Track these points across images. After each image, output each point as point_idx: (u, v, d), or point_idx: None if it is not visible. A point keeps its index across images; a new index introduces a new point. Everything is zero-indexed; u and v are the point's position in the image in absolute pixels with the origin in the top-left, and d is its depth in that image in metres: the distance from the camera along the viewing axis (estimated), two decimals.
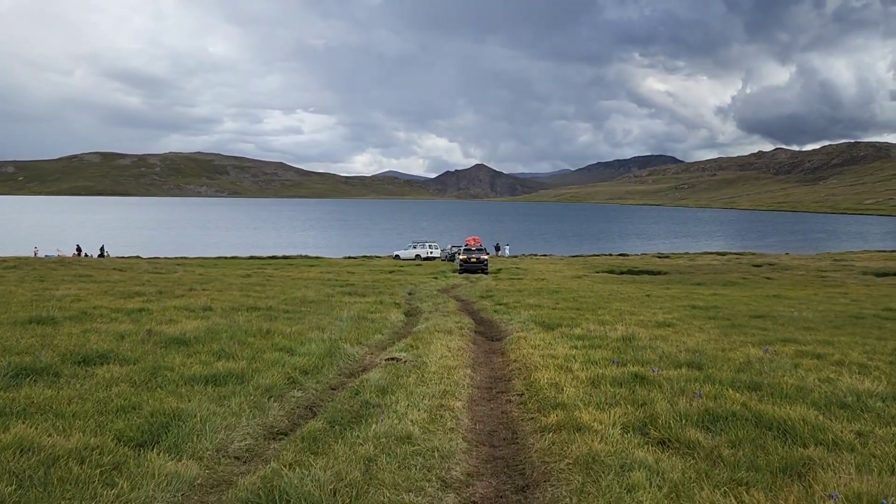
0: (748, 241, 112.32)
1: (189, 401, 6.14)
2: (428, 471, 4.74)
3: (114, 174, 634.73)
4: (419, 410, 6.31)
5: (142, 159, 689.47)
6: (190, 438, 5.14)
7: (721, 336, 12.51)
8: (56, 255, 53.13)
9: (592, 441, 5.27)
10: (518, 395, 7.72)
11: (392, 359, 9.08)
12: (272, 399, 6.74)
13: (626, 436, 5.61)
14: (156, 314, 13.60)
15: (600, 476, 4.57)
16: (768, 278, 41.68)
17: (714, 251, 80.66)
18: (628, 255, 73.95)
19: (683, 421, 5.89)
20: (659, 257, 69.45)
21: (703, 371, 8.23)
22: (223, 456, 5.12)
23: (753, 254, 73.60)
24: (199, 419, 5.51)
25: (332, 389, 7.84)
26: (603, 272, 48.06)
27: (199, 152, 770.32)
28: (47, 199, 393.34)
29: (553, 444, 5.39)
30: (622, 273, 47.98)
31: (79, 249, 59.79)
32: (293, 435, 5.71)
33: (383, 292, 23.79)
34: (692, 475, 4.60)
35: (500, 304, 20.59)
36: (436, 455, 5.04)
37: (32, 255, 52.10)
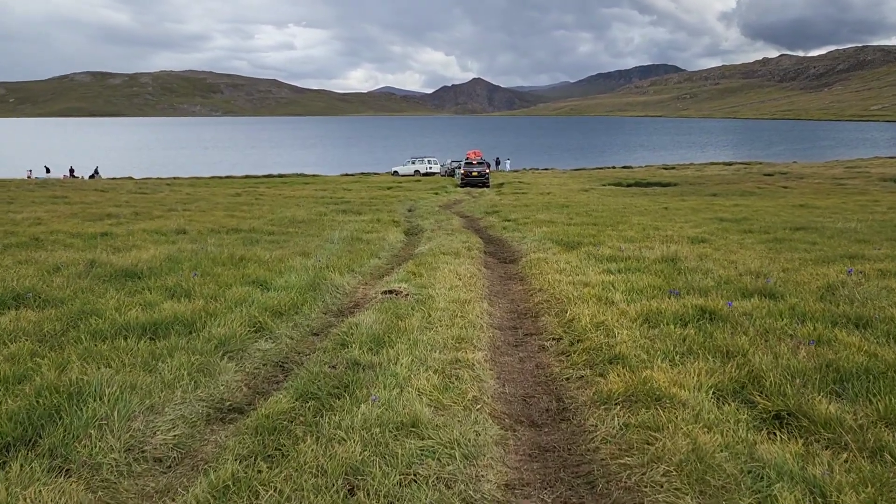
0: (754, 150, 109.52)
1: (104, 365, 4.40)
2: (447, 487, 3.05)
3: (106, 94, 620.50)
4: (427, 371, 4.60)
5: (133, 78, 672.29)
6: (86, 433, 3.42)
7: (771, 253, 10.76)
8: (27, 176, 50.93)
9: (688, 424, 3.56)
10: (554, 338, 6.02)
11: (390, 292, 7.33)
12: (228, 356, 5.00)
13: (723, 408, 3.91)
14: (120, 238, 11.84)
15: (726, 500, 2.86)
16: (784, 187, 39.74)
17: (720, 161, 78.37)
18: (633, 168, 71.81)
19: (800, 382, 4.18)
20: (665, 169, 67.33)
21: (783, 302, 6.49)
22: (135, 460, 3.41)
23: (761, 163, 71.40)
24: (107, 398, 3.79)
25: (314, 335, 6.13)
26: (610, 185, 46.09)
27: (191, 70, 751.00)
28: (40, 121, 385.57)
29: (627, 430, 3.68)
30: (630, 185, 45.99)
31: (71, 171, 57.73)
32: (246, 419, 3.99)
33: (381, 210, 21.96)
34: (872, 495, 2.88)
35: (509, 221, 18.79)
36: (456, 455, 3.34)
37: (26, 177, 50.04)
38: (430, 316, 6.25)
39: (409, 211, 23.88)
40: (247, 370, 4.97)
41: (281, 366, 5.31)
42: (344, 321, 6.17)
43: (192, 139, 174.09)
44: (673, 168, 67.84)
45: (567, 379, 4.87)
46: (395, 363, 4.66)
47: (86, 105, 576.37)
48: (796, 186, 39.99)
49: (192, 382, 4.34)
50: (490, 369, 5.05)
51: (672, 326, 5.71)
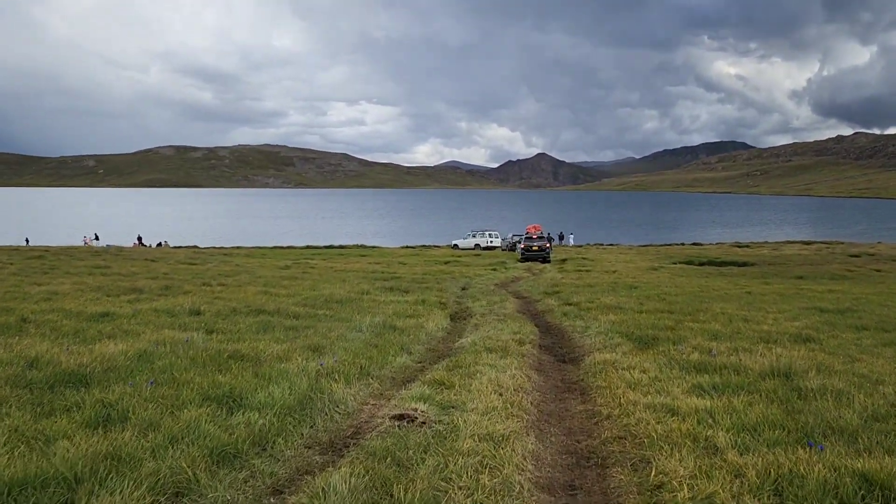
0: (832, 229, 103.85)
1: None
2: None
3: (186, 166, 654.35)
4: None
5: (212, 152, 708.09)
6: None
7: None
8: (84, 242, 51.88)
9: None
10: None
11: (402, 417, 5.42)
12: None
13: None
14: (119, 320, 10.37)
15: None
16: (878, 270, 36.15)
17: (798, 240, 74.04)
18: (703, 245, 68.59)
19: None
20: (738, 247, 63.84)
21: None
22: None
23: (843, 243, 66.97)
24: None
25: (274, 494, 4.20)
26: (680, 263, 43.30)
27: (266, 144, 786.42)
28: (124, 192, 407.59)
29: None
30: (702, 264, 43.10)
31: (140, 239, 59.14)
32: None
33: (430, 288, 20.21)
34: None
35: (570, 304, 16.68)
36: None
37: (83, 243, 51.16)
38: (446, 467, 4.30)
39: (463, 289, 22.07)
40: None
41: None
42: (317, 477, 4.23)
43: (264, 209, 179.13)
44: (747, 246, 64.27)
45: None
46: None
47: (168, 176, 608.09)
48: (891, 270, 36.36)
49: None
50: None
51: None
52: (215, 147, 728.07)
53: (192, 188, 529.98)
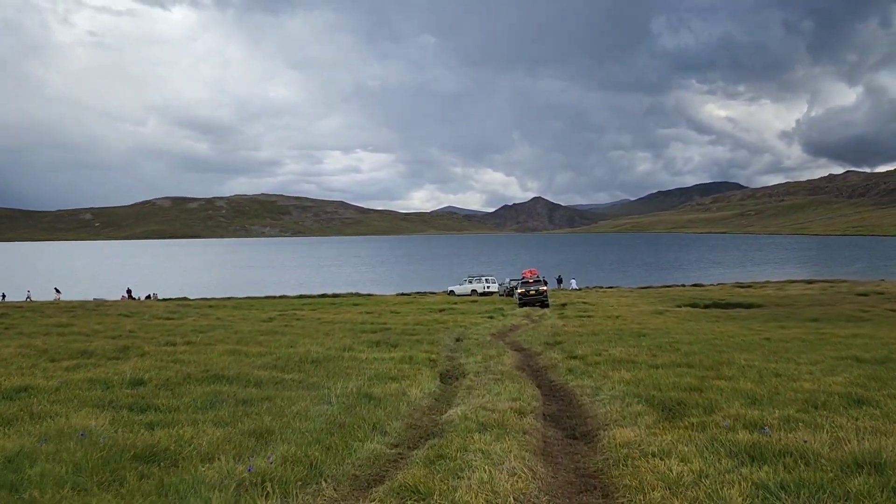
0: (832, 267, 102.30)
1: None
2: None
3: (183, 217, 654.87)
4: None
5: (209, 202, 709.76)
6: None
7: None
8: (56, 299, 50.01)
9: None
10: None
11: None
12: None
13: None
14: (39, 396, 8.61)
15: None
16: (893, 311, 34.41)
17: (800, 279, 72.39)
18: (704, 286, 66.90)
19: None
20: (741, 287, 62.03)
21: None
22: None
23: (846, 281, 65.36)
24: None
25: None
26: (684, 306, 41.51)
27: (262, 194, 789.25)
28: (121, 244, 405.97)
29: None
30: (707, 307, 41.34)
31: (129, 292, 57.57)
32: None
33: (421, 341, 18.45)
34: None
35: (575, 358, 14.92)
36: None
37: (54, 299, 49.41)
38: None
39: (457, 341, 20.30)
40: None
41: None
42: None
43: (261, 259, 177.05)
44: (749, 286, 62.47)
45: None
46: None
47: (165, 228, 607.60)
48: None
49: None
50: None
51: None
52: (212, 197, 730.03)
53: (189, 239, 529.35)
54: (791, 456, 5.73)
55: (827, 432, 6.45)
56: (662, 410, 8.58)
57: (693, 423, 7.48)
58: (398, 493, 5.05)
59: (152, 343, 16.09)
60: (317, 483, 5.38)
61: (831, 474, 5.18)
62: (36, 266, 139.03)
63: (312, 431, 6.83)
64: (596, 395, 10.18)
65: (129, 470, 5.28)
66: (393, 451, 6.86)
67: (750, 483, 5.11)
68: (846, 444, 5.90)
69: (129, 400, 8.53)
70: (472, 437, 6.91)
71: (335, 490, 5.36)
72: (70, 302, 42.07)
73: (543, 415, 9.18)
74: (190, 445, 6.02)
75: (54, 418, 7.17)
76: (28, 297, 50.40)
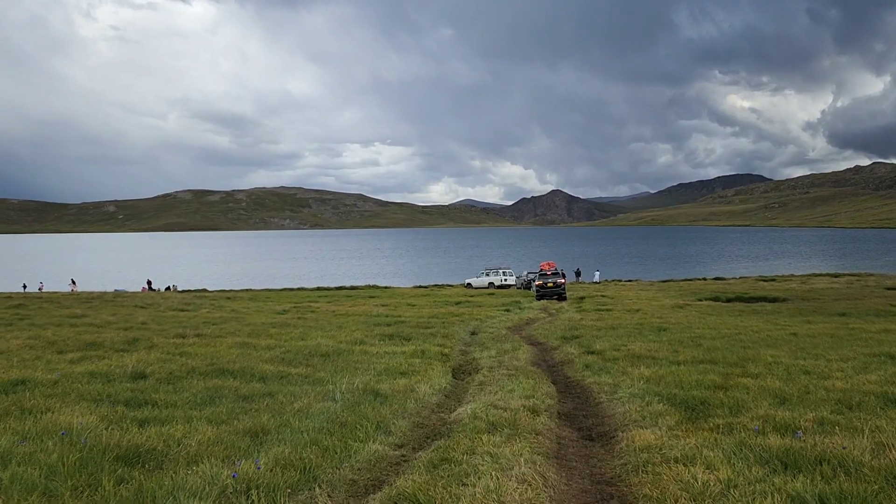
0: (858, 260, 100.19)
1: None
2: None
3: (204, 210, 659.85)
4: None
5: (229, 195, 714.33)
6: None
7: None
8: (72, 290, 50.21)
9: None
10: None
11: None
12: None
13: None
14: (39, 389, 8.33)
15: None
16: None
17: (825, 273, 70.85)
18: (726, 279, 65.70)
19: None
20: (764, 280, 60.83)
21: None
22: None
23: (873, 275, 63.82)
24: None
25: None
26: (706, 299, 40.66)
27: (282, 186, 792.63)
28: (143, 236, 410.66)
29: None
30: (730, 300, 40.42)
31: (149, 283, 57.86)
32: None
33: (435, 335, 18.04)
34: None
35: (592, 353, 14.44)
36: None
37: (69, 290, 49.72)
38: None
39: (472, 334, 19.88)
40: None
41: None
42: None
43: (281, 251, 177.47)
44: (773, 280, 61.22)
45: None
46: None
47: (186, 220, 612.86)
48: None
49: None
50: None
51: None
52: (232, 190, 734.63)
53: (209, 231, 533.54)
54: (829, 464, 5.23)
55: (867, 437, 5.92)
56: (685, 410, 8.10)
57: (719, 425, 6.99)
58: (397, 498, 4.65)
59: (162, 335, 15.86)
60: (309, 489, 4.98)
61: (876, 486, 4.68)
62: (60, 257, 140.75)
63: (311, 431, 6.45)
64: (614, 392, 9.70)
65: (108, 473, 4.92)
66: (396, 452, 6.45)
67: (785, 495, 4.62)
68: (890, 452, 5.38)
69: (127, 394, 8.22)
70: (481, 439, 6.49)
71: (329, 497, 4.95)
72: (89, 293, 42.25)
73: (558, 413, 8.73)
74: (179, 445, 5.66)
75: (44, 414, 6.86)
76: (40, 288, 50.71)
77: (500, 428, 7.06)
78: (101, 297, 36.49)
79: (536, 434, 7.01)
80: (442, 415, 8.38)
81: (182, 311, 26.61)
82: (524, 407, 8.25)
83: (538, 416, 7.93)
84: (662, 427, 7.18)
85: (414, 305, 34.15)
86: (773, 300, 39.35)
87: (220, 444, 5.77)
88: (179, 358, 11.75)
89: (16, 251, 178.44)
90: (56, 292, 41.26)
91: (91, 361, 10.94)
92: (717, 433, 6.65)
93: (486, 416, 7.59)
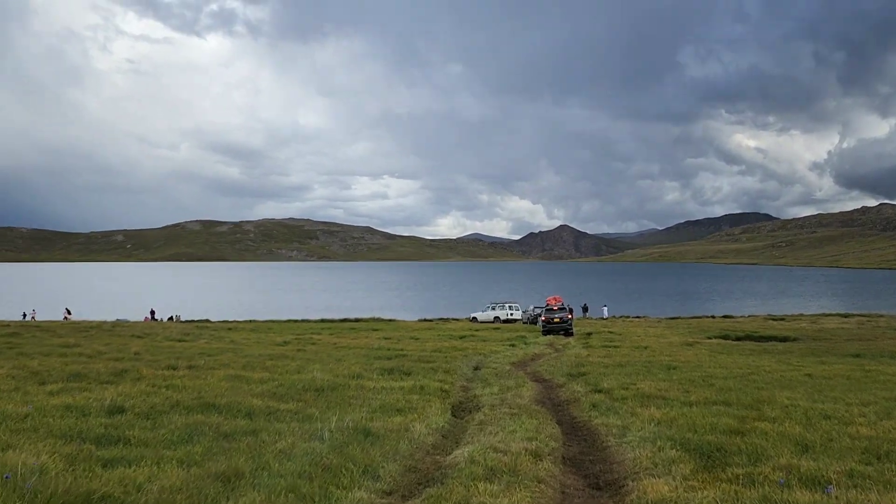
0: (869, 300, 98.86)
1: None
2: None
3: (212, 240, 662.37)
4: None
5: (237, 226, 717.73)
6: None
7: None
8: (64, 318, 49.65)
9: None
10: None
11: None
12: None
13: None
14: (1, 423, 7.79)
15: None
16: None
17: (835, 312, 69.82)
18: (734, 317, 64.75)
19: None
20: (773, 319, 59.87)
21: None
22: None
23: (882, 315, 62.76)
24: None
25: None
26: (715, 338, 39.83)
27: (291, 218, 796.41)
28: (151, 266, 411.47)
29: None
30: (739, 339, 39.60)
31: (152, 313, 57.49)
32: None
33: (437, 369, 17.42)
34: None
35: (600, 392, 13.82)
36: None
37: (63, 318, 49.32)
38: None
39: (475, 370, 19.24)
40: None
41: None
42: None
43: (288, 283, 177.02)
44: (782, 319, 60.25)
45: None
46: None
47: (194, 250, 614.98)
48: None
49: None
50: None
51: None
52: (240, 221, 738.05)
53: (217, 262, 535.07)
54: None
55: None
56: (700, 457, 7.48)
57: (738, 476, 6.38)
58: None
59: (153, 366, 15.31)
60: None
61: None
62: (64, 286, 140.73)
63: (291, 475, 5.88)
64: (623, 435, 9.09)
65: None
66: (383, 501, 5.87)
67: None
68: None
69: (100, 430, 7.68)
70: (477, 487, 5.91)
71: None
72: (88, 322, 41.80)
73: (563, 458, 8.12)
74: (139, 492, 5.12)
75: (4, 452, 6.32)
76: (33, 317, 50.20)
77: (500, 474, 6.48)
78: (100, 326, 36.00)
79: (539, 482, 6.42)
80: (437, 457, 7.78)
81: (179, 341, 26.08)
82: (526, 450, 7.66)
83: (541, 460, 7.33)
84: (676, 476, 6.58)
85: (417, 339, 33.52)
86: (784, 339, 38.53)
87: (185, 492, 5.22)
88: (165, 391, 11.20)
89: (22, 279, 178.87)
90: (54, 321, 40.82)
91: (70, 394, 10.41)
92: (738, 485, 6.05)
93: (485, 460, 7.00)
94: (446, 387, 13.86)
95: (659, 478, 6.55)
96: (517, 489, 5.94)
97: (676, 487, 6.09)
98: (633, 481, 6.70)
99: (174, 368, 15.04)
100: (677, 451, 7.72)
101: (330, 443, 7.48)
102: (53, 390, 10.85)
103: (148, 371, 14.20)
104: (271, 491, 5.35)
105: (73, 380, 12.48)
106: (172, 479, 5.55)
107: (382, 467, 6.76)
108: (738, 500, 5.45)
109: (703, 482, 6.27)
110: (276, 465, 6.29)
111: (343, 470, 6.27)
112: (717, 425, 9.34)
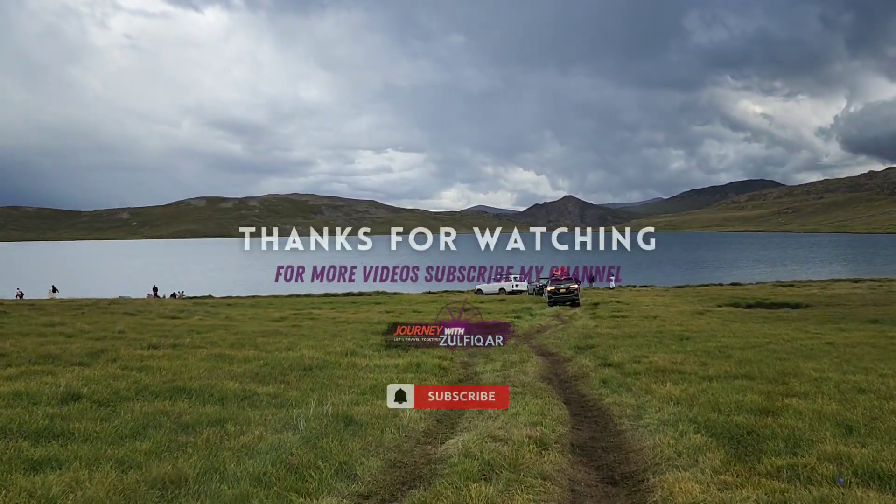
0: (879, 266, 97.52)
1: None
2: None
3: (217, 217, 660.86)
4: None
5: (242, 202, 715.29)
6: None
7: None
8: (50, 295, 48.64)
9: None
10: None
11: None
12: None
13: None
14: None
15: None
16: None
17: (845, 278, 68.66)
18: (743, 285, 63.62)
19: None
20: (782, 286, 58.73)
21: None
22: None
23: (893, 280, 61.63)
24: None
25: None
26: (726, 305, 38.78)
27: (294, 193, 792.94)
28: (157, 243, 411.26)
29: None
30: (750, 306, 38.53)
31: (155, 290, 56.63)
32: None
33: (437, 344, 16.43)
34: None
35: (610, 366, 12.85)
36: None
37: (48, 296, 48.32)
38: None
39: None
40: None
41: None
42: None
43: (295, 258, 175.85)
44: (791, 285, 59.10)
45: None
46: None
47: (199, 227, 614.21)
48: None
49: None
50: None
51: None
52: (245, 197, 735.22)
53: (222, 238, 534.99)
54: None
55: None
56: (730, 443, 6.50)
57: (779, 469, 5.39)
58: None
59: (135, 346, 14.38)
60: None
61: None
62: (69, 264, 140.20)
63: (245, 479, 4.92)
64: (639, 417, 8.11)
65: None
66: None
67: None
68: None
69: (43, 423, 6.73)
70: (470, 489, 4.93)
71: None
72: (85, 300, 41.01)
73: (571, 445, 7.15)
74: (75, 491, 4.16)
75: None
76: (19, 296, 49.24)
77: (498, 470, 5.50)
78: (96, 304, 35.16)
79: (543, 479, 5.44)
80: (428, 448, 6.81)
81: (172, 318, 25.21)
82: (529, 438, 6.68)
83: (547, 451, 6.36)
84: (705, 469, 5.59)
85: (420, 312, 32.69)
86: (796, 306, 37.41)
87: (136, 491, 4.25)
88: (136, 374, 10.27)
89: (25, 258, 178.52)
90: (51, 300, 39.99)
91: (28, 378, 9.47)
92: (782, 481, 5.06)
93: (481, 452, 6.02)
94: (445, 363, 12.91)
95: (685, 471, 5.57)
96: (518, 490, 4.97)
97: (707, 484, 5.11)
98: (654, 475, 5.73)
99: (156, 348, 14.12)
100: (702, 436, 6.74)
101: (304, 434, 6.51)
102: (12, 374, 9.92)
103: (126, 351, 13.28)
104: (214, 502, 4.40)
105: (42, 362, 11.55)
106: (99, 487, 4.59)
107: (361, 464, 5.78)
108: (718, 470, 4.47)
109: (737, 477, 5.28)
110: (232, 465, 5.33)
111: (312, 470, 5.29)
112: (742, 403, 8.36)
